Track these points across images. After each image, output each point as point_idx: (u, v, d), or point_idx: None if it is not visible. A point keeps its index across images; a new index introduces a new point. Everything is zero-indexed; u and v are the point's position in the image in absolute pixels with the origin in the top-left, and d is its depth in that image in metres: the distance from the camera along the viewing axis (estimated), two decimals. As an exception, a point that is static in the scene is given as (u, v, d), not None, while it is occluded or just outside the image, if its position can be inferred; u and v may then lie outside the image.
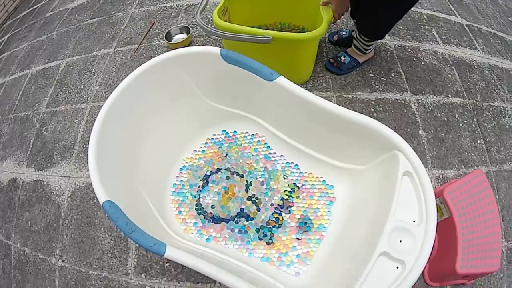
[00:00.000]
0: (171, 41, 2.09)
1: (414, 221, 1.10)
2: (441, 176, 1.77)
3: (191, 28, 2.13)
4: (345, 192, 1.45)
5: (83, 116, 1.95)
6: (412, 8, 2.54)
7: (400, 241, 1.07)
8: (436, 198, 1.28)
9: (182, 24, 2.19)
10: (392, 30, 2.39)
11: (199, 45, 2.11)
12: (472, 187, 1.36)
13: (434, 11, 2.82)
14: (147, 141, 1.37)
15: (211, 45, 2.06)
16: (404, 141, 1.22)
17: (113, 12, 2.55)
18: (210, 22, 2.25)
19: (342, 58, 1.97)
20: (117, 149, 1.23)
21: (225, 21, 1.69)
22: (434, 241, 1.14)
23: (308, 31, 2.01)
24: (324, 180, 1.49)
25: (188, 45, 2.07)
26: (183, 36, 2.12)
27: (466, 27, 2.82)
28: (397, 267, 1.02)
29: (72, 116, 1.97)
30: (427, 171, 1.27)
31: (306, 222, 1.39)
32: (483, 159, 1.88)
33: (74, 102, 2.03)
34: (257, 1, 1.89)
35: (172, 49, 2.02)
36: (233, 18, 1.84)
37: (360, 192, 1.40)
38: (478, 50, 2.59)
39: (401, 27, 2.51)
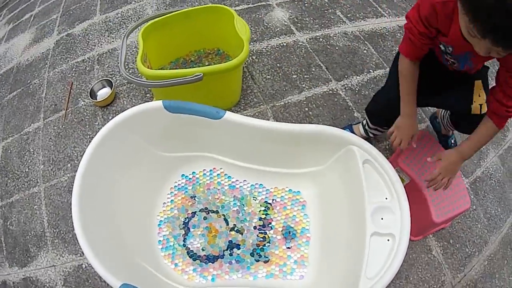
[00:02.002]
0: (96, 98, 2.09)
1: (386, 198, 1.33)
2: (387, 147, 1.93)
3: (112, 80, 2.14)
4: (312, 192, 1.63)
5: (41, 200, 1.93)
6: None
7: (382, 219, 1.29)
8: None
9: (102, 78, 2.20)
10: (300, 24, 2.52)
11: (124, 95, 2.13)
12: (422, 148, 1.58)
13: None
14: (121, 210, 1.43)
15: (137, 92, 2.12)
16: (354, 135, 1.42)
17: (28, 81, 2.50)
18: (131, 70, 2.29)
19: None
20: (102, 227, 1.30)
21: (148, 67, 1.77)
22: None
23: (223, 51, 2.13)
24: (290, 189, 1.66)
25: (113, 99, 2.10)
26: (107, 90, 2.11)
27: None
28: (388, 240, 1.23)
29: (30, 203, 1.94)
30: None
31: (289, 231, 1.53)
32: (419, 118, 2.05)
33: (25, 188, 2.00)
34: (168, 37, 1.97)
35: (100, 107, 2.05)
36: (151, 60, 1.92)
37: (326, 188, 1.59)
38: (385, 16, 2.78)
39: (306, 19, 2.64)
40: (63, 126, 2.11)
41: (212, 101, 1.65)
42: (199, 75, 1.55)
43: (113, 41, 2.51)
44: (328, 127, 1.44)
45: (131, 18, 2.67)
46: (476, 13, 0.90)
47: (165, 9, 2.64)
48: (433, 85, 1.42)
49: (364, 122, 1.77)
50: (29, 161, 2.08)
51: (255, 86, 2.17)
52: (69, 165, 1.96)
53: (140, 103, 1.90)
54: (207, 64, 2.09)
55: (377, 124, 1.67)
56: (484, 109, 1.34)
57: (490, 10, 0.85)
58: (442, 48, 1.29)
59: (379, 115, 1.61)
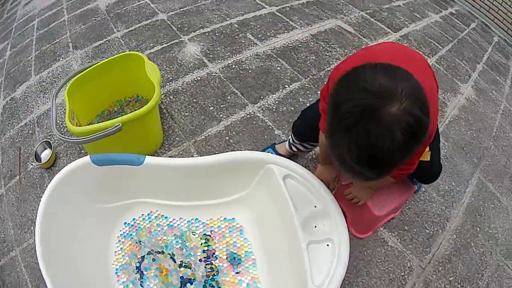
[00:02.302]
0: (40, 161, 2.10)
1: (315, 206, 1.46)
2: (314, 156, 2.09)
3: (51, 141, 2.15)
4: (246, 216, 1.73)
5: (20, 263, 1.88)
6: (222, 23, 2.80)
7: (315, 226, 1.43)
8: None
9: (43, 140, 2.20)
10: (211, 55, 2.61)
11: (63, 154, 2.15)
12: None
13: (243, 15, 3.05)
14: (83, 262, 1.48)
15: (74, 150, 2.15)
16: (268, 155, 1.58)
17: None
18: (66, 128, 2.30)
19: None
20: (69, 281, 1.36)
21: (76, 124, 1.81)
22: (342, 208, 1.46)
23: (142, 97, 2.20)
24: (225, 218, 1.75)
25: (55, 159, 2.11)
26: (48, 151, 2.13)
27: (278, 13, 3.11)
28: (328, 244, 1.36)
29: (13, 266, 1.88)
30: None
31: (234, 257, 1.61)
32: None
33: (6, 253, 1.95)
34: (92, 91, 2.02)
35: (46, 168, 2.09)
36: (79, 116, 1.96)
37: (258, 209, 1.70)
38: (297, 28, 2.91)
39: (218, 48, 2.75)
40: (20, 191, 2.11)
41: (137, 147, 1.74)
42: (118, 125, 1.61)
43: (47, 102, 2.52)
44: (241, 152, 1.59)
45: (60, 76, 2.69)
46: None
47: (88, 62, 2.68)
48: None
49: (290, 138, 1.89)
50: (2, 227, 2.06)
51: (176, 125, 2.24)
52: (32, 227, 1.96)
53: (77, 158, 1.97)
54: (128, 112, 2.15)
55: (301, 140, 1.78)
56: (424, 157, 1.46)
57: None
58: None
59: (303, 132, 1.73)
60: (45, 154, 2.12)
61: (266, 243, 1.63)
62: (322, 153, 1.62)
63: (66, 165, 1.91)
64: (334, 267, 1.30)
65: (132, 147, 1.81)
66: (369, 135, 0.85)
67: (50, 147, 2.13)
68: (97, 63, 1.95)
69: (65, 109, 2.34)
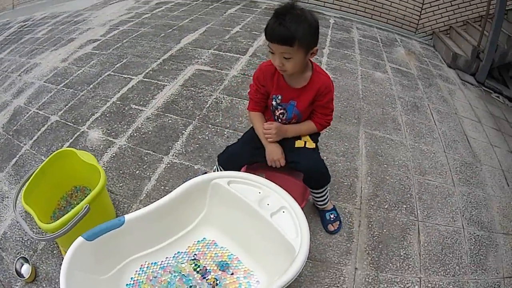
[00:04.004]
0: (24, 276, 2.11)
1: (260, 192, 1.96)
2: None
3: (26, 256, 2.19)
4: (213, 231, 2.12)
5: None
6: (106, 104, 3.31)
7: (268, 204, 1.89)
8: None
9: (18, 257, 2.20)
10: (113, 132, 2.97)
11: (40, 263, 2.21)
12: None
13: (119, 91, 3.54)
14: None
15: (47, 255, 2.23)
16: (208, 174, 2.04)
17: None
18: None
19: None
20: None
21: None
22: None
23: (80, 186, 2.48)
24: (198, 240, 2.11)
25: (36, 272, 2.17)
26: (27, 266, 2.15)
27: (145, 79, 3.91)
28: (283, 211, 1.86)
29: None
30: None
31: (222, 264, 2.00)
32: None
33: None
34: (39, 199, 2.16)
35: (31, 282, 2.13)
36: (40, 209, 2.09)
37: (219, 220, 2.09)
38: (166, 85, 3.71)
39: (115, 125, 3.14)
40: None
41: (103, 218, 2.02)
42: (86, 207, 1.88)
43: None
44: (185, 183, 1.97)
45: None
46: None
47: (15, 180, 2.80)
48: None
49: (215, 168, 2.34)
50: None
51: (118, 196, 2.54)
52: None
53: (54, 260, 2.17)
54: (75, 203, 2.37)
55: (225, 168, 2.20)
56: (309, 145, 2.10)
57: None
58: (274, 103, 2.06)
59: (225, 161, 2.19)
60: (25, 269, 2.16)
61: (239, 241, 2.02)
62: (260, 134, 2.10)
63: (48, 272, 2.13)
64: (298, 222, 1.77)
65: (95, 225, 2.07)
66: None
67: (28, 262, 2.19)
68: (35, 170, 2.16)
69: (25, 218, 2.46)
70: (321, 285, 2.08)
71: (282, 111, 2.07)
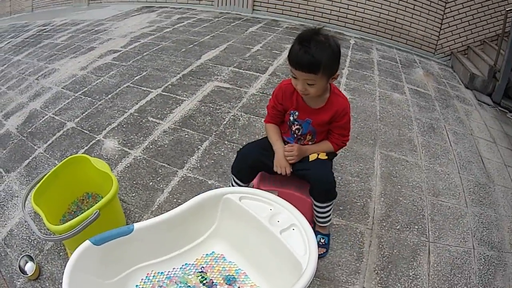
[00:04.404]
0: (27, 273, 2.13)
1: (271, 209, 1.96)
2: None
3: (32, 255, 2.22)
4: (223, 244, 2.11)
5: None
6: (124, 115, 3.22)
7: (278, 221, 1.88)
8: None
9: (23, 255, 2.23)
10: (129, 143, 2.99)
11: (45, 262, 2.23)
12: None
13: (137, 103, 3.56)
14: None
15: (53, 255, 2.27)
16: (220, 189, 2.05)
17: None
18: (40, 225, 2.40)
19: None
20: None
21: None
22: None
23: (92, 193, 2.51)
24: (206, 254, 2.09)
25: (40, 271, 2.19)
26: (31, 264, 2.16)
27: (164, 93, 3.80)
28: (293, 229, 1.85)
29: None
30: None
31: (229, 278, 1.99)
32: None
33: None
34: (49, 201, 2.19)
35: (34, 280, 2.16)
36: (49, 211, 2.12)
37: (229, 235, 2.09)
38: (185, 100, 3.74)
39: (131, 136, 3.19)
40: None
41: (112, 226, 2.02)
42: (96, 212, 1.90)
43: (5, 224, 2.54)
44: (198, 196, 1.99)
45: (5, 199, 2.74)
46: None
47: (26, 180, 2.84)
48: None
49: (231, 183, 2.36)
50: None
51: (130, 206, 2.56)
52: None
53: (59, 261, 2.20)
54: (86, 209, 2.37)
55: (236, 176, 2.26)
56: (321, 156, 2.14)
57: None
58: (291, 118, 2.13)
59: (236, 162, 2.24)
60: (29, 266, 2.19)
61: (247, 255, 2.02)
62: (273, 142, 2.18)
63: (52, 272, 2.14)
64: (307, 240, 1.76)
65: (104, 231, 2.07)
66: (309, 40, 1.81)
67: (32, 260, 2.22)
68: (47, 172, 2.20)
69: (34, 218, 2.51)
70: (329, 303, 2.06)
71: (298, 126, 2.13)
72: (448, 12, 6.78)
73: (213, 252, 2.09)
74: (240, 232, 2.02)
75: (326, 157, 2.14)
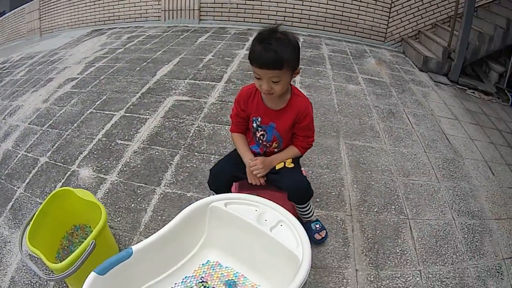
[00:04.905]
0: None
1: (256, 210, 2.04)
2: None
3: None
4: (217, 252, 2.19)
5: None
6: (92, 142, 3.38)
7: (266, 220, 1.98)
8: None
9: None
10: (104, 169, 3.03)
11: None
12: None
13: (103, 128, 3.63)
14: None
15: None
16: (205, 198, 2.11)
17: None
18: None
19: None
20: None
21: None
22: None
23: (80, 224, 2.52)
24: (202, 264, 2.17)
25: None
26: None
27: (126, 114, 3.86)
28: (281, 225, 1.95)
29: None
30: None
31: (229, 283, 2.07)
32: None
33: None
34: (42, 241, 2.18)
35: None
36: (45, 250, 2.10)
37: (220, 242, 2.17)
38: (149, 117, 3.76)
39: (104, 162, 3.20)
40: None
41: (107, 253, 2.08)
42: (92, 242, 1.95)
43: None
44: (185, 209, 2.04)
45: None
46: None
47: (14, 224, 2.81)
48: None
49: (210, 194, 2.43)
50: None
51: (118, 230, 2.58)
52: None
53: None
54: (77, 242, 2.41)
55: (216, 192, 2.29)
56: (288, 164, 2.18)
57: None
58: (254, 125, 2.17)
59: (211, 181, 2.29)
60: None
61: (242, 258, 2.11)
62: (242, 153, 2.22)
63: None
64: (296, 233, 1.87)
65: (101, 261, 2.09)
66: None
67: None
68: (35, 212, 2.21)
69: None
70: (327, 290, 2.18)
71: (262, 132, 2.18)
72: (396, 1, 7.13)
73: (208, 261, 2.17)
74: (231, 236, 2.11)
75: (292, 165, 2.19)
